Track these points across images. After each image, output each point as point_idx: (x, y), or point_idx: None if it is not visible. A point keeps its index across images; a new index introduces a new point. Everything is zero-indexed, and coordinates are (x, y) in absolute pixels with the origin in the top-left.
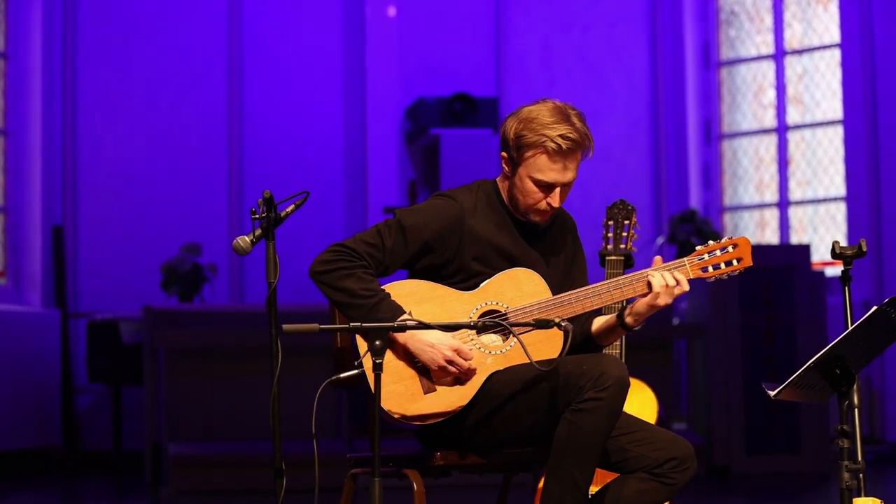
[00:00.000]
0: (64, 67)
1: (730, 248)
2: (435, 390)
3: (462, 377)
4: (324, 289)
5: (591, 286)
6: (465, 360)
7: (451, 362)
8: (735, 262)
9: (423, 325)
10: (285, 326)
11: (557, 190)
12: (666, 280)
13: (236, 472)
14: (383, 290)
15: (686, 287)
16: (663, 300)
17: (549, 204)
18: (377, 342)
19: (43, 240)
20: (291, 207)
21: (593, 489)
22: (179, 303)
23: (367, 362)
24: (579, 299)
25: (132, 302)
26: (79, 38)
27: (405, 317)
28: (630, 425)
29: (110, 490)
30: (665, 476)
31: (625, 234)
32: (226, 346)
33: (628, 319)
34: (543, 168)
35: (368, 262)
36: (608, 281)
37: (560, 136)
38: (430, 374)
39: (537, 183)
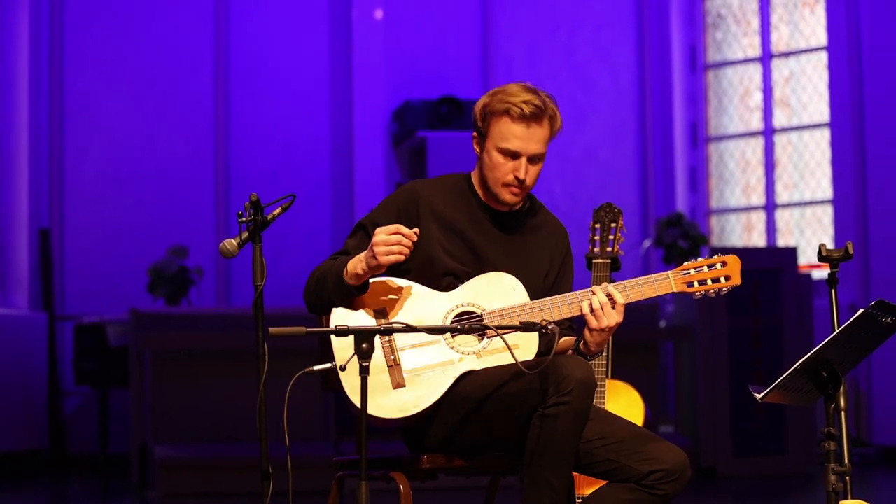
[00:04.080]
0: (51, 70)
1: (718, 266)
2: (404, 386)
3: (407, 243)
4: (316, 306)
5: (571, 293)
6: (387, 232)
7: (382, 242)
8: (723, 280)
9: (409, 329)
10: (272, 329)
11: (524, 162)
12: (592, 304)
13: (223, 474)
14: (328, 261)
15: (619, 299)
16: (604, 322)
17: (516, 178)
18: (363, 345)
19: (30, 242)
20: (278, 210)
21: (585, 492)
22: (166, 305)
23: (343, 361)
24: (557, 305)
25: (119, 305)
26: (65, 40)
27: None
28: (617, 433)
29: (97, 493)
30: (653, 487)
31: (611, 237)
32: (212, 348)
33: (582, 348)
34: (508, 135)
35: None
36: (580, 291)
37: (524, 101)
38: (400, 371)
39: (503, 152)
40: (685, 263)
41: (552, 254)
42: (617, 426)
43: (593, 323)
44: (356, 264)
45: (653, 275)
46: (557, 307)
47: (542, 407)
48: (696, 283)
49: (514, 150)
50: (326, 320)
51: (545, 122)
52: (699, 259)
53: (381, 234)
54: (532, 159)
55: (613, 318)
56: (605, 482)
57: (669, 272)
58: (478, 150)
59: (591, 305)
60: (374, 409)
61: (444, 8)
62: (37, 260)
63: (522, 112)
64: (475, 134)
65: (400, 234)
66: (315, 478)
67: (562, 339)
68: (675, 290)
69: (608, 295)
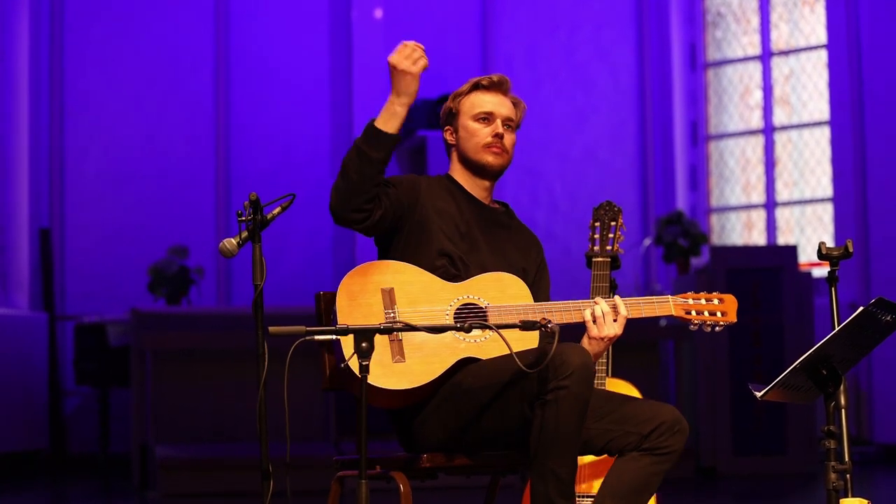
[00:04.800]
0: (51, 70)
1: (715, 301)
2: (403, 361)
3: (421, 50)
4: (347, 193)
5: (575, 301)
6: (407, 47)
7: (402, 55)
8: (719, 315)
9: (409, 328)
10: (272, 329)
11: (499, 122)
12: (594, 312)
13: (223, 474)
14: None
15: (623, 311)
16: (604, 331)
17: (496, 135)
18: (363, 344)
19: (30, 242)
20: (278, 209)
21: (586, 488)
22: (166, 305)
23: (346, 362)
24: (560, 310)
25: (119, 304)
26: (66, 40)
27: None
28: (610, 404)
29: (98, 493)
30: (657, 447)
31: (611, 235)
32: (213, 348)
33: None
34: (478, 103)
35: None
36: (584, 300)
37: (487, 75)
38: (401, 345)
39: (478, 118)
40: (686, 293)
41: (528, 255)
42: (606, 398)
43: (593, 331)
44: (384, 108)
45: (654, 297)
46: (560, 312)
47: (541, 394)
48: (693, 313)
49: (487, 111)
50: (328, 320)
51: (510, 95)
52: (700, 293)
53: (395, 52)
54: (505, 123)
55: (613, 328)
56: (602, 476)
57: (670, 297)
58: (452, 139)
59: (593, 313)
60: (371, 379)
61: (444, 7)
62: (37, 260)
63: (491, 80)
64: (448, 127)
65: (413, 45)
66: (315, 477)
67: None
68: (673, 313)
69: (613, 306)
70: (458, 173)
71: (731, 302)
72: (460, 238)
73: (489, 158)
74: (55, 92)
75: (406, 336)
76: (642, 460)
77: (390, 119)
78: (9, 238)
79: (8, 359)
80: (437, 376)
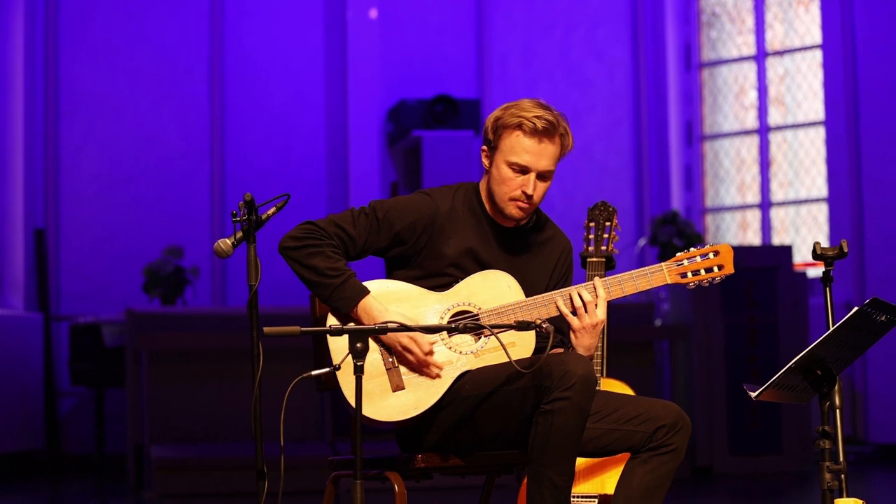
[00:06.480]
0: (46, 70)
1: (710, 255)
2: (403, 388)
3: (421, 367)
4: (291, 265)
5: (558, 291)
6: (422, 350)
7: (406, 349)
8: (716, 269)
9: (404, 328)
10: (266, 329)
11: (533, 177)
12: (573, 302)
13: (219, 474)
14: (349, 270)
15: (601, 293)
16: (585, 320)
17: (524, 193)
18: (358, 344)
19: (25, 243)
20: (273, 210)
21: (581, 489)
22: (161, 306)
23: (341, 363)
24: (553, 301)
25: (114, 305)
26: (60, 40)
27: (386, 316)
28: (611, 404)
29: (93, 493)
30: (662, 446)
31: (606, 235)
32: (208, 348)
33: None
34: (518, 149)
35: (336, 243)
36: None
37: (535, 116)
38: (399, 373)
39: (512, 166)
40: (678, 255)
41: (554, 269)
42: (608, 398)
43: (575, 323)
44: (371, 311)
45: (647, 267)
46: (555, 303)
47: (543, 403)
48: (689, 274)
49: (524, 164)
50: (322, 320)
51: (556, 139)
52: (692, 249)
53: (419, 350)
54: (541, 176)
55: (594, 316)
56: (595, 476)
57: (663, 264)
58: (487, 163)
59: (572, 304)
60: (374, 413)
61: (439, 7)
62: (32, 260)
63: (535, 127)
64: (485, 147)
65: (430, 364)
66: (311, 477)
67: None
68: (669, 281)
69: (592, 290)
70: (485, 196)
71: (726, 252)
72: (478, 269)
73: (512, 211)
74: (50, 92)
75: (403, 363)
76: (651, 462)
77: (358, 314)
78: (4, 238)
79: (3, 359)
80: (439, 398)
